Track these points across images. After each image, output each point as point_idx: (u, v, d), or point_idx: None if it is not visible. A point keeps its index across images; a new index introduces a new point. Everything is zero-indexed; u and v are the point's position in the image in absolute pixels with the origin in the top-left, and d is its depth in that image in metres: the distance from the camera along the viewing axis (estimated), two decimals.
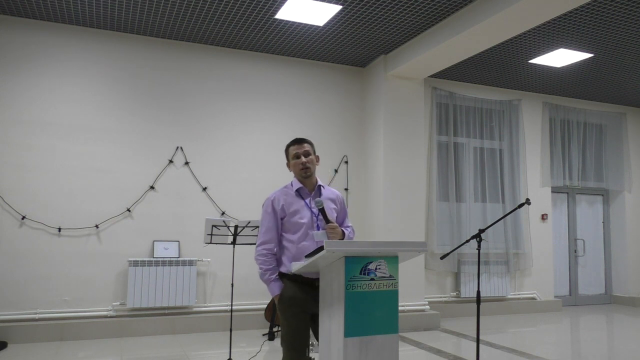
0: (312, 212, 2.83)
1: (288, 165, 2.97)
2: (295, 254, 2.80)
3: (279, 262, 2.86)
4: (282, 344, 2.82)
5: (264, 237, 2.84)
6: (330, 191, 2.99)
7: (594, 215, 8.88)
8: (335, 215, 2.93)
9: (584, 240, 8.69)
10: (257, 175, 6.41)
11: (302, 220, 2.81)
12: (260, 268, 2.83)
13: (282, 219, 2.83)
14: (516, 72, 7.10)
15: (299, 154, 2.86)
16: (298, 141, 2.91)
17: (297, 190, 2.88)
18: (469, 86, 7.64)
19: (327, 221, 2.78)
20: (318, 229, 2.81)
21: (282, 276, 2.83)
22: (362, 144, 6.95)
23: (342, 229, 2.89)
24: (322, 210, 2.77)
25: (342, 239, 2.84)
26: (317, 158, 2.95)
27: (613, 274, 8.82)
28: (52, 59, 5.68)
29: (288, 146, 2.94)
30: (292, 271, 2.77)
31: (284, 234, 2.85)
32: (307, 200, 2.86)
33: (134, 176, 5.90)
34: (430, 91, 7.32)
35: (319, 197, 2.89)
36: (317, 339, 2.82)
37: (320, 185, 2.94)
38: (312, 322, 2.83)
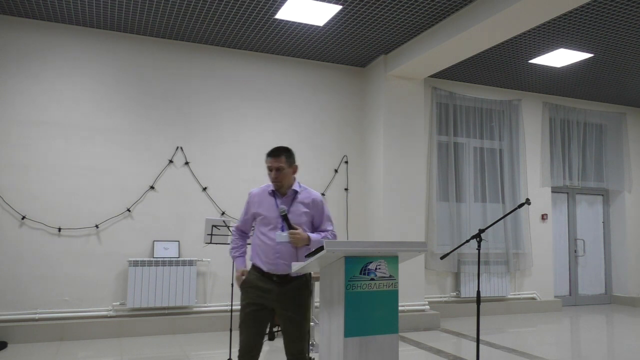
0: (279, 214, 3.02)
1: None
2: (257, 249, 3.02)
3: (252, 255, 3.08)
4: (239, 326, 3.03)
5: (239, 222, 3.23)
6: (307, 195, 3.10)
7: (594, 215, 8.88)
8: (306, 219, 3.03)
9: (584, 240, 8.69)
10: (257, 175, 6.41)
11: (269, 219, 3.01)
12: (230, 244, 3.25)
13: (254, 212, 3.10)
14: (516, 72, 7.10)
15: (272, 167, 3.04)
16: (274, 154, 3.07)
17: (272, 191, 3.08)
18: (469, 86, 7.64)
19: (289, 227, 2.93)
20: (283, 230, 2.96)
21: (252, 266, 3.06)
22: (362, 144, 6.95)
23: (312, 234, 2.99)
24: (284, 217, 2.94)
25: (308, 244, 2.94)
26: (295, 168, 3.09)
27: (613, 274, 8.82)
28: (52, 59, 5.68)
29: (266, 155, 3.11)
30: (293, 271, 2.81)
31: (257, 227, 3.08)
32: (278, 202, 3.04)
33: (134, 176, 5.90)
34: (430, 91, 7.32)
35: (293, 200, 3.05)
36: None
37: (295, 190, 3.08)
38: (278, 318, 3.01)
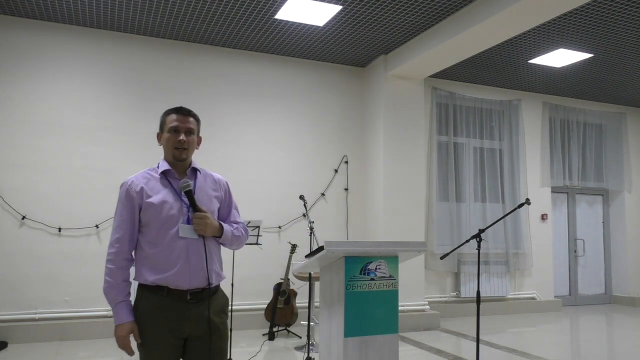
0: (182, 201, 2.15)
1: (159, 136, 2.27)
2: (159, 259, 2.09)
3: (137, 273, 2.14)
4: None
5: (117, 233, 2.11)
6: (209, 175, 2.31)
7: (594, 215, 8.88)
8: (218, 205, 2.28)
9: (583, 240, 8.69)
10: (257, 175, 6.41)
11: (171, 212, 2.11)
12: (106, 281, 2.09)
13: (140, 209, 2.13)
14: (516, 72, 7.10)
15: (180, 128, 2.17)
16: (182, 111, 2.21)
17: (163, 173, 2.20)
18: (469, 86, 7.64)
19: (195, 208, 2.11)
20: (188, 222, 2.12)
21: (143, 288, 2.13)
22: (362, 144, 6.95)
23: (225, 223, 2.26)
24: (188, 193, 2.11)
25: (220, 235, 2.19)
26: (199, 140, 2.28)
27: (613, 274, 8.82)
28: (51, 59, 5.67)
29: (167, 113, 2.23)
30: (293, 272, 2.76)
31: (143, 231, 2.14)
32: (177, 187, 2.17)
33: None
34: (430, 91, 7.33)
35: (196, 181, 2.25)
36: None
37: (195, 168, 2.26)
38: (185, 348, 2.14)
